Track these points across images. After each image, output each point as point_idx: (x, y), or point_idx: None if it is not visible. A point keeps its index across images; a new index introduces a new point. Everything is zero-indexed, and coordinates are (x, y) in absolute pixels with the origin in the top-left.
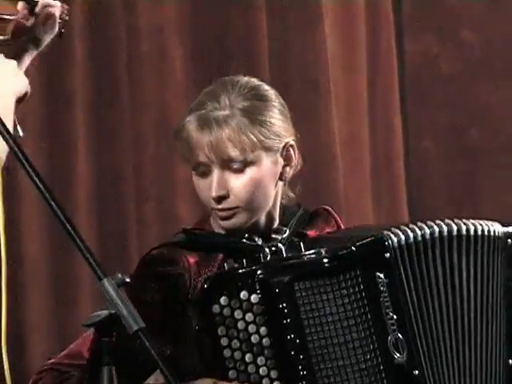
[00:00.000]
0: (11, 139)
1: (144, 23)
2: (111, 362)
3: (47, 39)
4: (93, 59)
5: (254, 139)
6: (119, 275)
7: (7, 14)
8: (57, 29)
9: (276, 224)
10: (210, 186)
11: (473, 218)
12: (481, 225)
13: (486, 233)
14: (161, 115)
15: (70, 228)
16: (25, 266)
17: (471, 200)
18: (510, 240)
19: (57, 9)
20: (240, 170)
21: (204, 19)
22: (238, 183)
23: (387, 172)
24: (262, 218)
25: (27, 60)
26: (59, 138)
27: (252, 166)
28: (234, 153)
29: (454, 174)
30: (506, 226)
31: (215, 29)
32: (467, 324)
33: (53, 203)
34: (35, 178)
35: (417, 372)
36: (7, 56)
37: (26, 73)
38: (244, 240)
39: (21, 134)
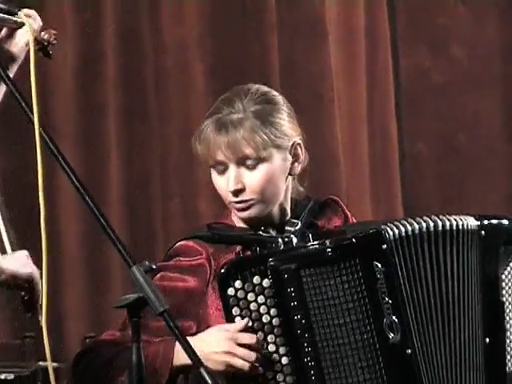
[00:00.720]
0: (54, 146)
1: (169, 41)
2: (140, 340)
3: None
4: (123, 74)
5: (266, 138)
6: (147, 263)
7: None
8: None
9: (288, 216)
10: (228, 181)
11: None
12: (461, 220)
13: (465, 227)
14: (184, 123)
15: (103, 222)
16: (63, 257)
17: (459, 199)
18: (483, 232)
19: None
20: (254, 167)
21: (222, 37)
22: (253, 178)
23: (384, 174)
24: (276, 211)
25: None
26: (94, 145)
27: (264, 162)
28: (248, 151)
29: (444, 174)
30: (479, 219)
31: (232, 46)
32: (452, 307)
33: (89, 201)
34: (74, 179)
35: (409, 351)
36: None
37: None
38: (260, 232)
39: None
